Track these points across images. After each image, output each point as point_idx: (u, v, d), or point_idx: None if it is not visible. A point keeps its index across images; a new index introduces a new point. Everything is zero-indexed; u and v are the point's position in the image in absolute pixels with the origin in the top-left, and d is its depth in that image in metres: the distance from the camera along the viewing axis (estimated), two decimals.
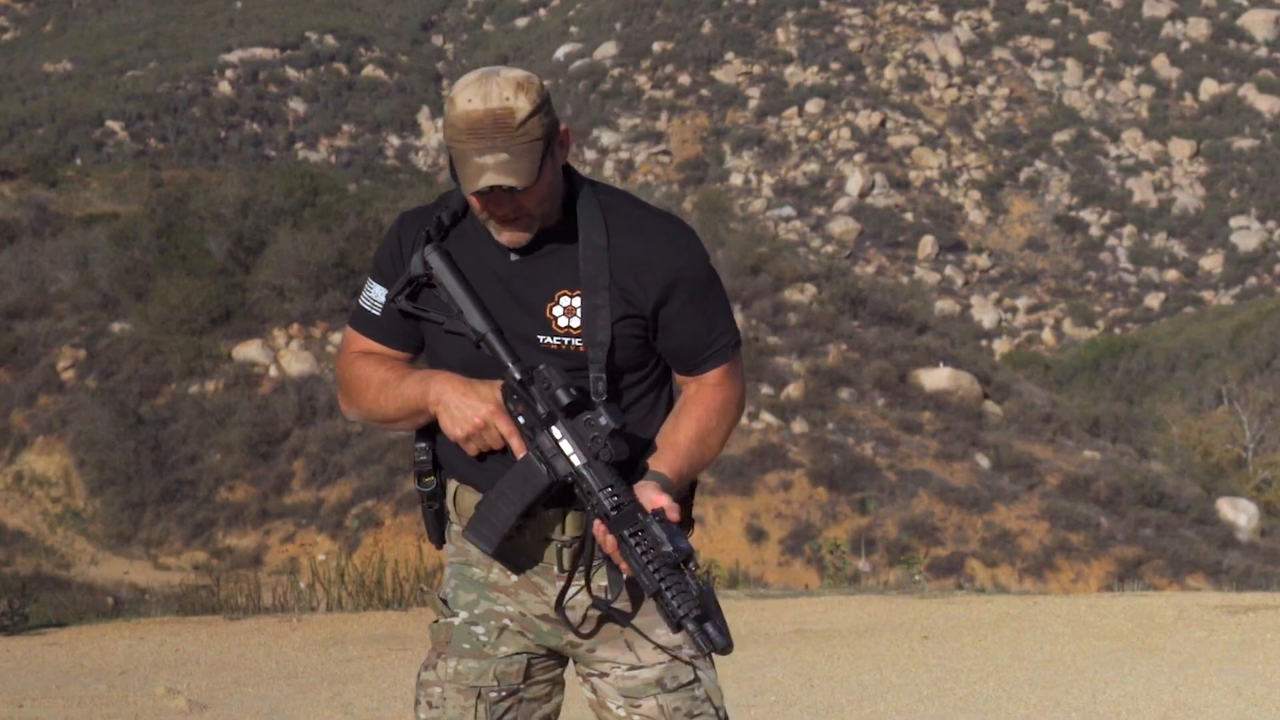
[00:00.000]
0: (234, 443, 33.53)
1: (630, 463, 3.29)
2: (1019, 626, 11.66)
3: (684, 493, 3.35)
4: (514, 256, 3.33)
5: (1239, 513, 33.95)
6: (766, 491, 31.45)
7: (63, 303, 38.05)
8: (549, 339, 3.30)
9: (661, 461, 3.28)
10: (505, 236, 3.29)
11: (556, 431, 3.23)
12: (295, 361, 35.41)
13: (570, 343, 3.29)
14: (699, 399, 3.37)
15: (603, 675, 3.42)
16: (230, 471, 33.37)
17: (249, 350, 35.71)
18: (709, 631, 3.13)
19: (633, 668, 3.38)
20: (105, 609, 14.95)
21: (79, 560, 31.03)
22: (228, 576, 15.68)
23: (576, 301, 3.29)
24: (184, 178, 48.23)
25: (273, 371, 35.42)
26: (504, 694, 3.41)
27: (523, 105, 3.18)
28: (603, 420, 3.20)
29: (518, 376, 3.25)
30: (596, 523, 3.21)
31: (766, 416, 33.33)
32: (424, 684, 3.45)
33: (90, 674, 9.62)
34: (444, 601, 3.48)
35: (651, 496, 3.20)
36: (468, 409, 3.28)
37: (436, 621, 3.47)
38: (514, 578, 3.40)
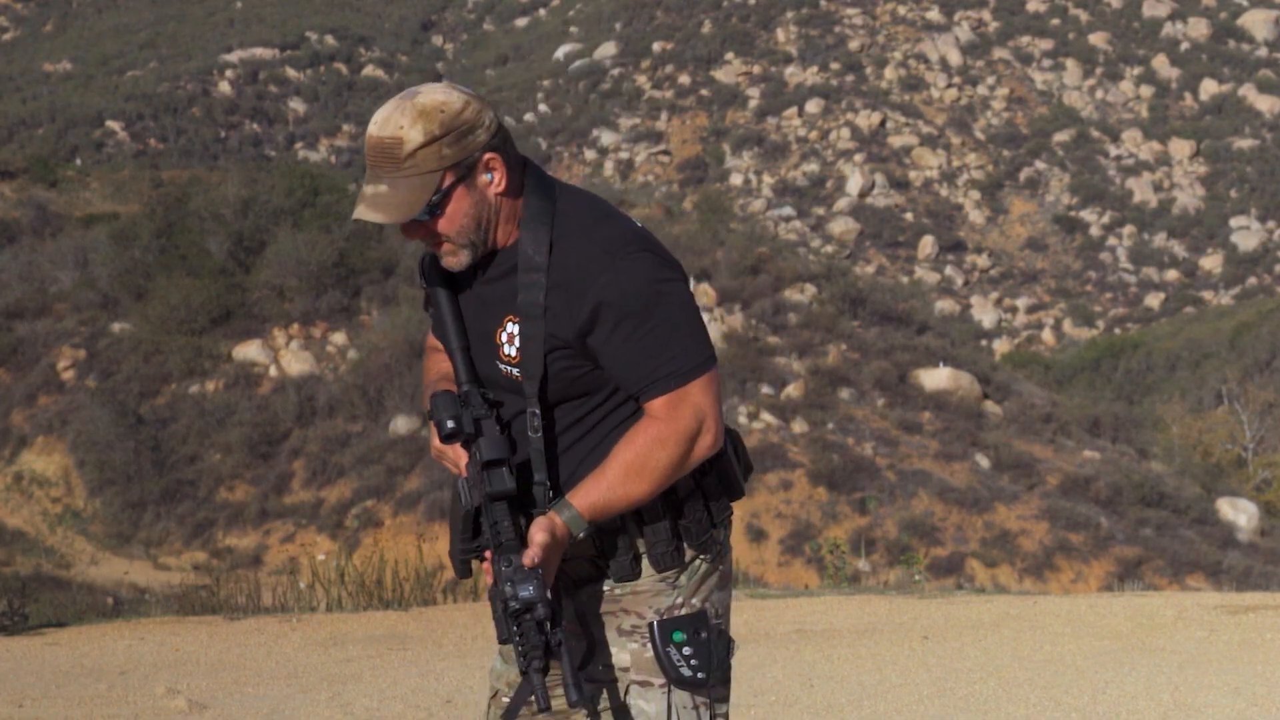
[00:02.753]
0: (234, 443, 33.55)
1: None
2: (1019, 626, 11.66)
3: (615, 522, 3.16)
4: (478, 277, 3.21)
5: (1239, 513, 33.95)
6: (766, 491, 31.46)
7: (63, 303, 38.06)
8: (501, 365, 3.18)
9: (579, 492, 3.10)
10: (443, 261, 3.17)
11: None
12: (295, 361, 35.42)
13: (512, 371, 3.16)
14: (638, 429, 3.12)
15: None
16: (230, 471, 33.38)
17: (249, 350, 35.72)
18: (538, 686, 2.99)
19: None
20: (105, 609, 14.96)
21: (79, 560, 31.02)
22: (228, 576, 15.67)
23: (518, 329, 3.14)
24: (184, 178, 48.25)
25: (273, 371, 35.43)
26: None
27: (415, 137, 3.01)
28: (479, 455, 3.10)
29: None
30: (487, 554, 3.13)
31: (766, 416, 33.33)
32: None
33: (90, 674, 9.62)
34: None
35: (530, 534, 3.06)
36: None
37: None
38: None
